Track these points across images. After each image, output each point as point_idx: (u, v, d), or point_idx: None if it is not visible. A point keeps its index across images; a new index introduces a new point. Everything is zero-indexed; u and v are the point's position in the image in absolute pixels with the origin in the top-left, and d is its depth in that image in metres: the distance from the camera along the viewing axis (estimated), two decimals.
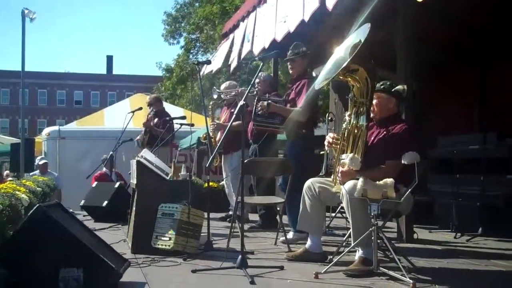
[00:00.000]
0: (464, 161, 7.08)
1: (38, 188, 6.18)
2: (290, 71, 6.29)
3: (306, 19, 5.96)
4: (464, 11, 7.62)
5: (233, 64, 8.73)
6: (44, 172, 11.94)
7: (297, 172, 5.49)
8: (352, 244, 4.22)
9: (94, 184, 9.09)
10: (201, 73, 9.80)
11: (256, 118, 6.08)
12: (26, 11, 13.44)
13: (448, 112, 9.06)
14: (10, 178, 11.63)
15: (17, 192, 4.72)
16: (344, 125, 4.45)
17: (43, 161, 12.53)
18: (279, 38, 6.60)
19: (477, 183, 6.80)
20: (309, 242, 4.73)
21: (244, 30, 8.03)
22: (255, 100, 6.01)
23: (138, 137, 9.22)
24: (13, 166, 14.00)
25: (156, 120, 8.97)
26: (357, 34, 4.29)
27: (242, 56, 8.30)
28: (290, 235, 5.69)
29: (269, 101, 5.99)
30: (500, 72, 8.63)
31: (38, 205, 3.70)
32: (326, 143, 4.72)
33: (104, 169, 10.72)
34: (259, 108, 5.97)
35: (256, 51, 7.53)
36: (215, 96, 7.60)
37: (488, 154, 6.74)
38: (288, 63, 6.26)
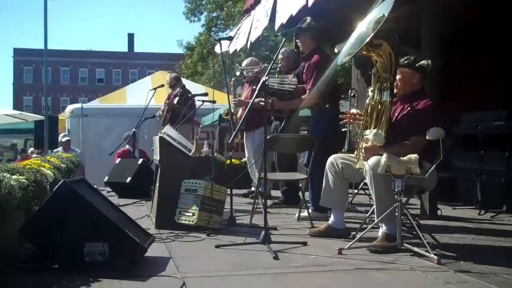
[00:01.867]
0: (488, 137, 6.99)
1: (62, 165, 6.23)
2: (301, 49, 6.22)
3: None
4: None
5: (253, 40, 8.64)
6: (67, 149, 12.03)
7: (321, 148, 5.45)
8: (376, 220, 4.21)
9: (118, 160, 9.17)
10: (225, 51, 9.77)
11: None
12: None
13: (473, 87, 8.93)
14: (34, 155, 11.78)
15: (42, 168, 4.77)
16: (367, 101, 4.41)
17: (66, 138, 12.63)
18: (295, 12, 6.51)
19: (502, 160, 6.73)
20: (332, 218, 4.73)
21: (264, 6, 7.96)
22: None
23: (159, 113, 9.26)
24: (37, 143, 14.17)
25: (177, 99, 8.99)
26: (381, 8, 4.22)
27: (261, 32, 8.21)
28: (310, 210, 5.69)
29: (272, 100, 5.84)
30: None
31: (63, 180, 3.73)
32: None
33: (127, 146, 10.79)
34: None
35: (277, 26, 7.47)
36: (237, 74, 7.57)
37: None
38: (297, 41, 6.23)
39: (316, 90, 5.72)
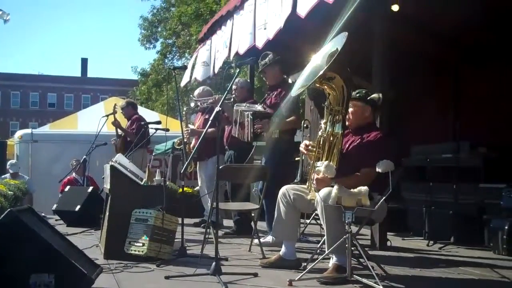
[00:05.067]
0: (437, 169, 7.15)
1: (9, 192, 6.09)
2: (267, 81, 6.28)
3: (282, 25, 5.95)
4: (438, 21, 7.73)
5: (216, 70, 8.61)
6: (15, 175, 11.73)
7: (278, 177, 5.46)
8: (326, 251, 4.24)
9: (67, 188, 8.97)
10: (181, 84, 9.75)
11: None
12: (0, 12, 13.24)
13: (422, 120, 9.16)
14: None
15: None
16: (319, 133, 4.46)
17: (14, 165, 12.30)
18: (260, 45, 6.55)
19: (450, 191, 6.88)
20: (283, 249, 4.73)
21: (222, 36, 8.01)
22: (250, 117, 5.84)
23: (113, 141, 9.17)
24: None
25: (128, 123, 8.95)
26: (334, 43, 4.31)
27: (221, 63, 8.24)
28: (268, 238, 5.70)
29: (265, 121, 5.81)
30: (473, 81, 8.74)
31: (9, 209, 3.64)
32: (301, 149, 4.73)
33: (74, 174, 10.60)
34: (257, 129, 5.78)
35: (231, 57, 7.54)
36: (192, 105, 7.53)
37: (461, 163, 6.82)
38: (261, 75, 6.29)
39: (296, 116, 5.79)
